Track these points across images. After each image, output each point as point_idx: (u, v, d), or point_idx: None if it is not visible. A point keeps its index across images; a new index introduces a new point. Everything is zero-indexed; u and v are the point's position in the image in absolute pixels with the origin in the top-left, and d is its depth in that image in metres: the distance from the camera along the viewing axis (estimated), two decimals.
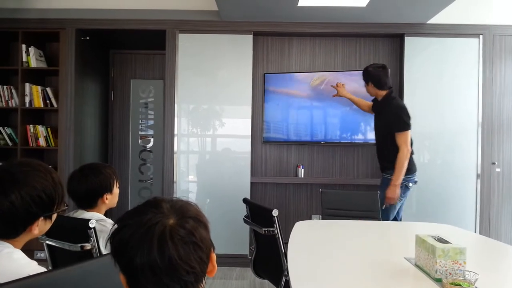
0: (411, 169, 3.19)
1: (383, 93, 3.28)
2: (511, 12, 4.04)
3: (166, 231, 0.80)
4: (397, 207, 3.21)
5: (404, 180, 3.14)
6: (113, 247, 0.84)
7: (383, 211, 3.12)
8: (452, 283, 1.43)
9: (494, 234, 4.00)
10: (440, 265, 1.51)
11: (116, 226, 0.85)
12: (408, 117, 3.19)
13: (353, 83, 4.04)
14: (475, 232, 3.94)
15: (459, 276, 1.46)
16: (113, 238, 0.84)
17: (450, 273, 1.49)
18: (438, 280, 1.50)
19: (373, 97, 3.45)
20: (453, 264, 1.51)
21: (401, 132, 3.13)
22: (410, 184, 3.20)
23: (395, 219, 3.24)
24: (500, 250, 2.20)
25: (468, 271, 1.47)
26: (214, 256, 0.88)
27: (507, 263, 2.00)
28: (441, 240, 1.59)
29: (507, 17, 4.03)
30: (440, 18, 3.91)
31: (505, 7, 4.04)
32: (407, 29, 4.04)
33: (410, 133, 3.17)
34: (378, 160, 3.45)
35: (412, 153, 3.21)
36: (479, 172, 4.00)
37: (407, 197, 3.29)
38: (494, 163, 4.01)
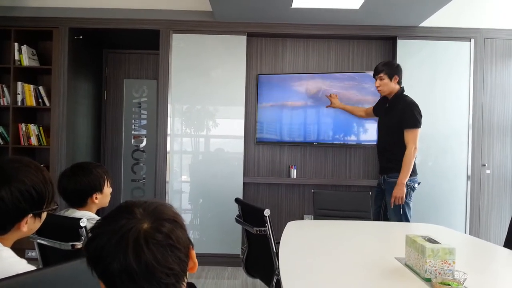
0: (414, 170, 3.16)
1: (397, 89, 3.23)
2: (502, 16, 4.09)
3: (140, 236, 0.79)
4: (410, 206, 3.15)
5: (411, 181, 3.11)
6: (88, 256, 0.82)
7: (402, 215, 3.08)
8: (441, 283, 1.44)
9: (483, 234, 4.04)
10: (429, 265, 1.52)
11: (90, 235, 0.84)
12: (420, 115, 3.13)
13: (345, 85, 4.07)
14: (465, 232, 3.97)
15: (448, 276, 1.48)
16: (88, 247, 0.83)
17: (439, 273, 1.50)
18: (427, 280, 1.51)
19: (380, 98, 3.42)
20: (442, 264, 1.52)
21: (410, 129, 3.08)
22: (416, 185, 3.17)
23: (400, 220, 3.16)
24: (489, 250, 2.23)
25: (457, 271, 1.48)
26: (193, 253, 0.87)
27: (495, 263, 2.03)
28: (431, 240, 1.61)
29: (498, 21, 4.08)
30: (432, 21, 3.95)
31: (496, 11, 4.09)
32: (399, 32, 4.07)
33: (419, 132, 3.12)
34: (380, 161, 3.38)
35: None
36: (469, 173, 4.04)
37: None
38: (484, 165, 4.05)
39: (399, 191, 3.05)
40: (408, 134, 3.09)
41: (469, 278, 1.43)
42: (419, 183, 3.22)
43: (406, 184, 3.08)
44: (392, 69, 3.23)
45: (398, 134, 3.13)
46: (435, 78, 4.06)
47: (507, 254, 2.08)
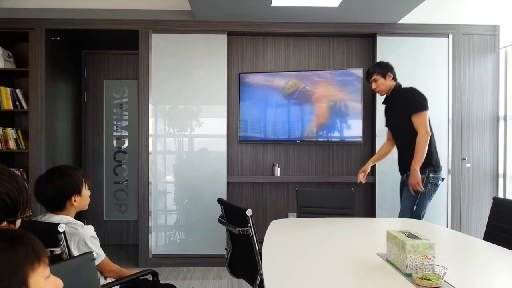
0: (437, 164, 3.08)
1: (393, 84, 3.24)
2: (478, 12, 4.16)
3: None
4: (427, 205, 3.06)
5: (433, 178, 3.03)
6: None
7: (414, 212, 3.00)
8: (421, 278, 1.45)
9: (465, 228, 4.11)
10: (410, 260, 1.54)
11: None
12: (422, 97, 3.07)
13: (327, 83, 4.09)
14: (447, 226, 4.04)
15: (428, 271, 1.49)
16: None
17: (420, 268, 1.52)
18: (408, 275, 1.53)
19: (382, 103, 3.41)
20: (422, 259, 1.54)
21: (417, 113, 3.01)
22: (439, 182, 3.09)
23: (417, 217, 3.03)
24: (469, 243, 2.26)
25: (437, 265, 1.50)
26: None
27: (475, 256, 2.06)
28: (411, 236, 1.62)
29: (475, 17, 4.15)
30: (411, 18, 3.99)
31: (473, 7, 4.16)
32: (379, 29, 4.10)
33: (427, 115, 3.02)
34: (401, 162, 3.23)
35: (432, 142, 3.03)
36: (450, 167, 4.10)
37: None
38: (464, 159, 4.12)
39: (413, 178, 2.97)
40: (416, 120, 3.02)
41: (449, 272, 1.45)
42: (443, 179, 3.13)
43: (429, 180, 3.01)
44: (383, 68, 3.26)
45: (409, 127, 3.06)
46: (415, 74, 4.11)
47: (486, 247, 2.11)
